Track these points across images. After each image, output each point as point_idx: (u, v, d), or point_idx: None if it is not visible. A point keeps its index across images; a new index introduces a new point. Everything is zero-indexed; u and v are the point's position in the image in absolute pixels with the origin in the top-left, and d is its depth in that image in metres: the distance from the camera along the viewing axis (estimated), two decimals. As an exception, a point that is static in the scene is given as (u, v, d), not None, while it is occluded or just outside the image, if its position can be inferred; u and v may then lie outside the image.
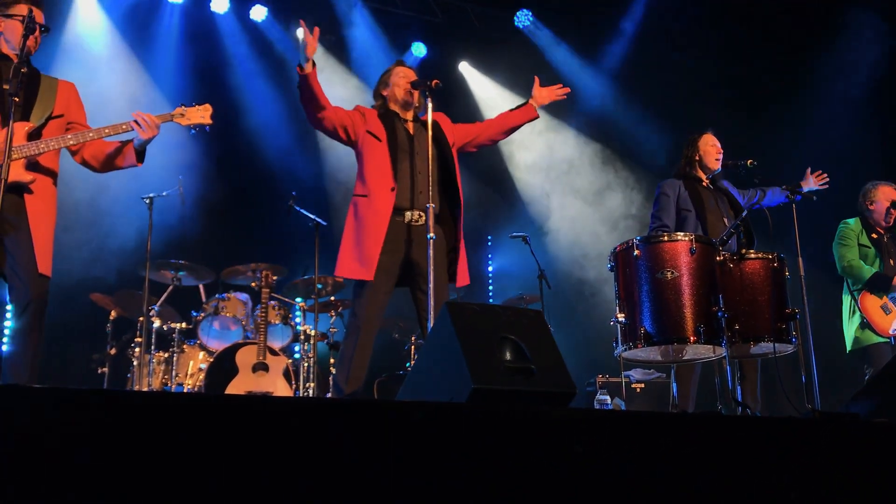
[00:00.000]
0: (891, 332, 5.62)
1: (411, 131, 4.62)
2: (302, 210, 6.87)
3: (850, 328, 5.83)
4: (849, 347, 5.84)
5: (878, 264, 5.78)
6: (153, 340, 6.49)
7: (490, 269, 9.80)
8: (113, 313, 6.77)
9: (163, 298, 6.76)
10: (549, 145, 9.46)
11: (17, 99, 3.53)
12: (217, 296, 6.88)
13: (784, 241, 4.97)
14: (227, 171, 8.28)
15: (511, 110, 4.87)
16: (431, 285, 4.09)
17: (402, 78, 4.65)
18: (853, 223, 5.95)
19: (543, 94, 4.86)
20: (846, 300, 5.92)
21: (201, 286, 7.21)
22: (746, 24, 8.25)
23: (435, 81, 4.38)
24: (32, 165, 3.84)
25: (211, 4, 8.63)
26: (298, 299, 7.21)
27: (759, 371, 4.88)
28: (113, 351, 6.68)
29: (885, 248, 5.85)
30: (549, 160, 9.44)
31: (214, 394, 5.94)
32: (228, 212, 8.24)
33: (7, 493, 1.69)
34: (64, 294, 6.50)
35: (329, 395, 5.94)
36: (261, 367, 6.16)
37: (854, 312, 5.80)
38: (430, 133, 4.32)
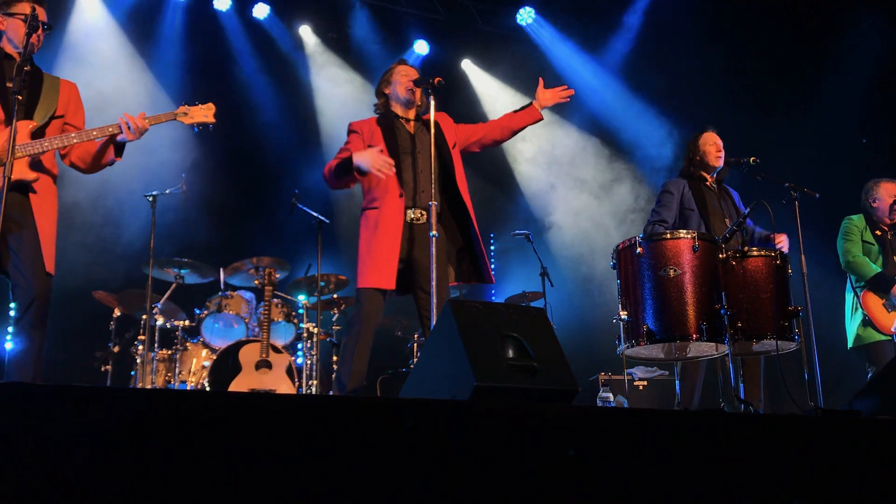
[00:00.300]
0: (893, 329, 5.62)
1: (412, 131, 4.63)
2: (305, 208, 6.88)
3: (852, 325, 5.83)
4: (850, 344, 5.83)
5: (881, 261, 5.78)
6: (156, 338, 6.50)
7: (492, 266, 9.79)
8: (116, 311, 6.78)
9: (166, 296, 6.77)
10: (551, 142, 9.46)
11: (20, 97, 3.54)
12: (220, 293, 6.89)
13: (787, 238, 4.96)
14: (229, 169, 8.29)
15: (515, 112, 4.86)
16: (434, 283, 4.10)
17: (405, 76, 4.65)
18: (857, 219, 5.95)
19: (547, 95, 4.84)
20: (849, 297, 5.92)
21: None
22: (749, 19, 8.24)
23: (437, 79, 4.38)
24: (35, 164, 3.84)
25: (213, 2, 8.63)
26: (301, 297, 7.21)
27: (762, 368, 4.88)
28: (116, 349, 6.69)
29: (889, 245, 5.85)
30: (551, 157, 9.44)
31: (218, 391, 5.95)
32: (231, 209, 8.25)
33: (13, 490, 1.70)
34: (67, 292, 6.50)
35: (332, 392, 5.95)
36: (264, 364, 6.17)
37: (856, 310, 5.79)
38: (432, 131, 4.32)
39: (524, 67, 9.47)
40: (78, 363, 7.00)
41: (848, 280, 5.94)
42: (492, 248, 9.76)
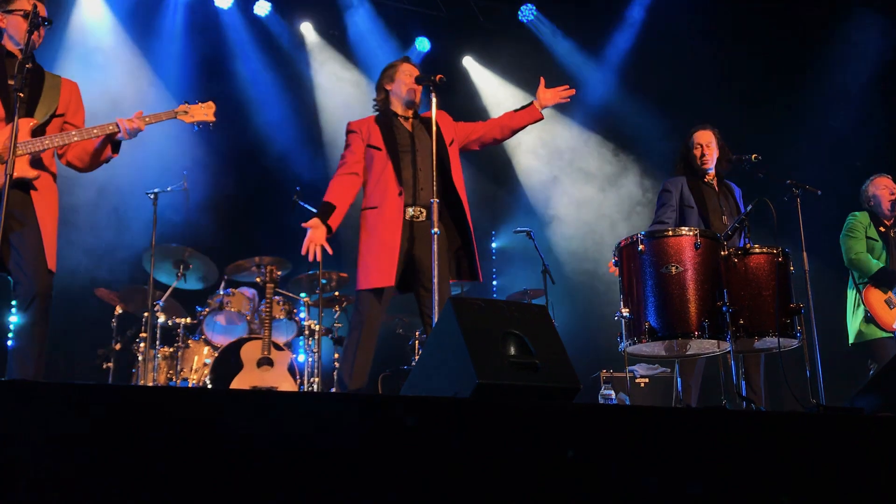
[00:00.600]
0: (895, 326, 5.62)
1: (410, 129, 4.61)
2: (306, 205, 6.87)
3: (853, 322, 5.83)
4: (851, 340, 5.84)
5: (884, 258, 5.79)
6: (158, 335, 6.50)
7: (494, 264, 9.79)
8: (118, 308, 6.78)
9: (167, 293, 6.77)
10: (552, 138, 9.45)
11: (21, 94, 3.54)
12: (222, 291, 6.89)
13: (788, 236, 4.96)
14: (231, 167, 8.28)
15: (516, 111, 4.84)
16: (436, 281, 4.09)
17: (409, 76, 4.63)
18: (861, 215, 5.96)
19: (548, 95, 4.81)
20: (850, 294, 5.92)
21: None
22: (749, 15, 8.23)
23: (439, 76, 4.38)
24: (36, 162, 3.85)
25: (214, 0, 8.63)
26: (303, 294, 7.21)
27: (762, 366, 4.88)
28: (118, 346, 6.69)
29: (892, 241, 5.86)
30: (552, 153, 9.43)
31: (219, 388, 5.96)
32: (233, 207, 8.25)
33: (15, 488, 1.70)
34: (69, 289, 6.51)
35: (333, 390, 5.95)
36: (265, 362, 6.17)
37: (858, 306, 5.79)
38: (434, 129, 4.32)
39: (525, 64, 9.46)
40: (80, 361, 7.00)
41: (850, 277, 5.94)
42: (493, 245, 9.75)
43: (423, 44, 9.50)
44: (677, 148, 5.43)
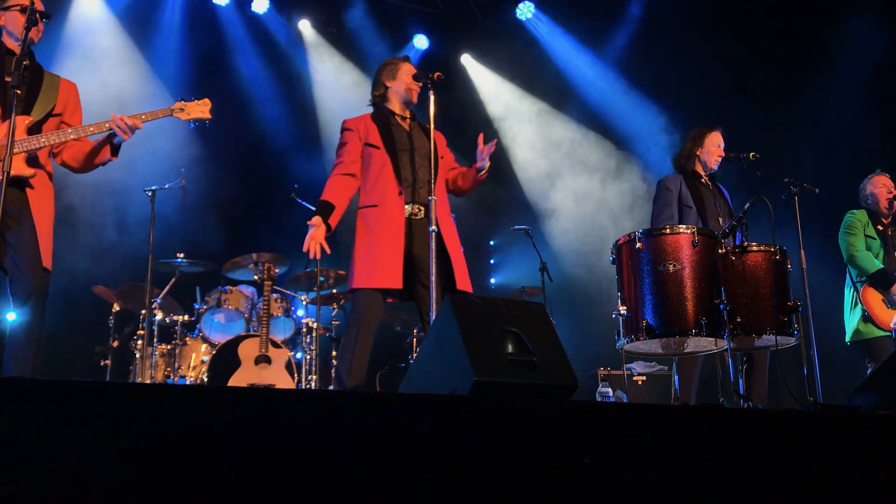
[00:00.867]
0: (892, 325, 5.63)
1: (408, 129, 4.61)
2: (304, 202, 6.87)
3: (851, 320, 5.84)
4: (848, 339, 5.84)
5: (882, 256, 5.80)
6: (155, 333, 6.49)
7: (492, 261, 9.80)
8: (115, 306, 6.78)
9: (165, 291, 6.77)
10: (550, 137, 9.45)
11: (18, 91, 3.52)
12: (220, 288, 6.88)
13: (786, 234, 4.96)
14: (229, 164, 8.28)
15: (464, 173, 4.72)
16: (434, 278, 4.09)
17: (409, 77, 4.63)
18: (860, 213, 5.97)
19: (482, 152, 4.60)
20: (848, 293, 5.92)
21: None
22: (747, 12, 8.23)
23: (437, 74, 4.37)
24: (31, 160, 3.83)
25: (213, -3, 8.63)
26: (301, 292, 7.21)
27: (767, 364, 4.87)
28: (115, 343, 6.69)
29: (890, 240, 5.87)
30: (550, 149, 9.43)
31: (217, 386, 5.95)
32: (231, 204, 8.24)
33: (11, 485, 1.69)
34: (67, 287, 6.50)
35: (331, 387, 5.95)
36: (263, 359, 6.17)
37: (856, 305, 5.80)
38: (431, 125, 4.31)
39: (524, 62, 9.47)
40: (77, 358, 7.00)
41: (847, 275, 5.94)
42: (490, 242, 9.75)
43: (421, 41, 9.49)
44: (674, 145, 5.44)
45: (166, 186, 6.57)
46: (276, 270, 6.70)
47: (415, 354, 7.07)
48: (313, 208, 6.73)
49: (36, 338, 3.72)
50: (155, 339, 6.47)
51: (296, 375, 6.37)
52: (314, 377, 6.63)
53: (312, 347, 6.71)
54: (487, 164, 4.58)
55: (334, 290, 7.33)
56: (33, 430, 1.76)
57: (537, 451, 2.17)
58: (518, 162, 9.59)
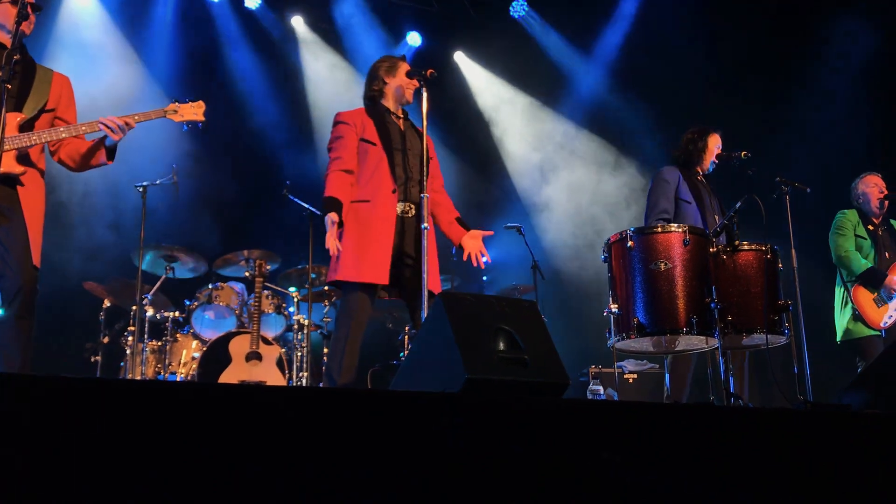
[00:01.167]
0: (882, 325, 5.65)
1: (402, 127, 4.61)
2: (296, 199, 6.85)
3: (841, 320, 5.86)
4: (839, 338, 5.86)
5: (872, 256, 5.81)
6: (146, 329, 6.48)
7: (483, 259, 9.78)
8: (106, 302, 6.75)
9: (156, 287, 6.75)
10: (542, 132, 9.45)
11: (9, 86, 3.50)
12: (211, 285, 6.87)
13: (777, 233, 4.97)
14: (221, 160, 8.25)
15: (452, 222, 4.69)
16: (425, 276, 4.09)
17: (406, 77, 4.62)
18: (850, 213, 5.99)
19: (469, 244, 4.62)
20: (839, 292, 5.94)
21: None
22: (739, 10, 8.25)
23: (430, 71, 4.37)
24: (23, 158, 3.80)
25: (205, -8, 8.60)
26: (292, 289, 7.20)
27: (747, 363, 4.88)
28: (106, 340, 6.66)
29: (881, 240, 5.89)
30: (542, 147, 9.43)
31: (207, 383, 5.94)
32: (223, 201, 8.22)
33: (2, 482, 1.69)
34: (57, 283, 6.48)
35: (322, 384, 5.94)
36: (254, 356, 6.16)
37: (846, 304, 5.82)
38: (424, 122, 4.32)
39: (517, 60, 9.46)
40: (67, 354, 6.97)
41: (838, 274, 5.96)
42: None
43: (414, 38, 9.48)
44: (664, 142, 5.45)
45: (158, 182, 6.55)
46: (268, 267, 6.69)
47: (406, 352, 7.07)
48: (305, 205, 6.79)
49: (25, 334, 3.70)
50: (145, 336, 6.46)
51: (287, 372, 6.36)
52: (305, 374, 6.62)
53: (303, 344, 6.70)
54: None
55: (326, 287, 7.31)
56: (21, 425, 1.75)
57: (528, 448, 2.17)
58: (510, 158, 9.59)
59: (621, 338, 4.29)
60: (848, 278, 5.83)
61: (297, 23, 9.13)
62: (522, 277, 7.86)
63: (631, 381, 6.77)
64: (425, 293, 4.08)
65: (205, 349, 6.32)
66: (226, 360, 6.14)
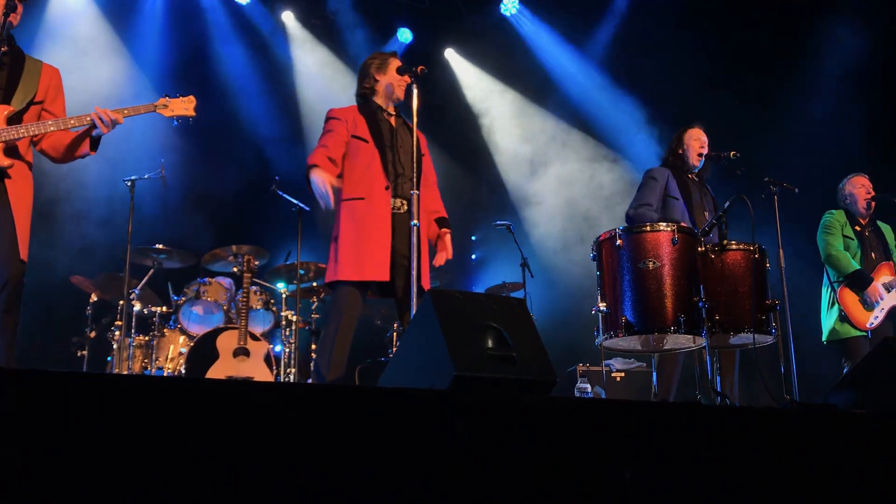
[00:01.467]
0: (868, 325, 5.67)
1: (393, 124, 4.60)
2: (285, 195, 6.84)
3: (828, 320, 5.88)
4: (825, 338, 5.89)
5: (859, 256, 5.84)
6: (133, 324, 6.45)
7: (473, 256, 9.80)
8: (93, 296, 6.72)
9: (143, 282, 6.72)
10: (532, 130, 9.46)
11: (-3, 78, 3.47)
12: (199, 280, 6.84)
13: (765, 233, 4.99)
14: (210, 155, 8.23)
15: (432, 223, 4.71)
16: (415, 273, 4.09)
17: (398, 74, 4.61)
18: (838, 214, 6.02)
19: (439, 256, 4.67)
20: (825, 292, 5.97)
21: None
22: (729, 10, 8.28)
23: (420, 67, 4.37)
24: (10, 151, 3.78)
25: (195, -13, 8.56)
26: (281, 285, 7.18)
27: (737, 362, 4.91)
28: (93, 334, 6.64)
29: (867, 241, 5.92)
30: (531, 144, 9.44)
31: (194, 378, 5.92)
32: (211, 196, 8.19)
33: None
34: (44, 277, 6.45)
35: (310, 381, 5.93)
36: (242, 352, 6.14)
37: (833, 304, 5.84)
38: (414, 119, 4.32)
39: (507, 57, 9.47)
40: (54, 348, 6.94)
41: (825, 275, 5.99)
42: (472, 237, 9.74)
43: (405, 35, 9.47)
44: (654, 140, 5.48)
45: (146, 177, 6.52)
46: (256, 263, 6.67)
47: (395, 349, 7.06)
48: (294, 201, 6.77)
49: (11, 328, 3.67)
50: (133, 330, 6.43)
51: (274, 368, 6.35)
52: (293, 370, 6.61)
53: (292, 340, 6.69)
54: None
55: (314, 284, 7.31)
56: (7, 421, 1.74)
57: (515, 445, 2.17)
58: (499, 155, 9.59)
59: (609, 336, 4.30)
60: (835, 279, 5.86)
61: (288, 18, 9.12)
62: (511, 275, 7.87)
63: (619, 379, 6.78)
64: (414, 290, 4.08)
65: (192, 344, 6.30)
66: (213, 356, 6.12)
